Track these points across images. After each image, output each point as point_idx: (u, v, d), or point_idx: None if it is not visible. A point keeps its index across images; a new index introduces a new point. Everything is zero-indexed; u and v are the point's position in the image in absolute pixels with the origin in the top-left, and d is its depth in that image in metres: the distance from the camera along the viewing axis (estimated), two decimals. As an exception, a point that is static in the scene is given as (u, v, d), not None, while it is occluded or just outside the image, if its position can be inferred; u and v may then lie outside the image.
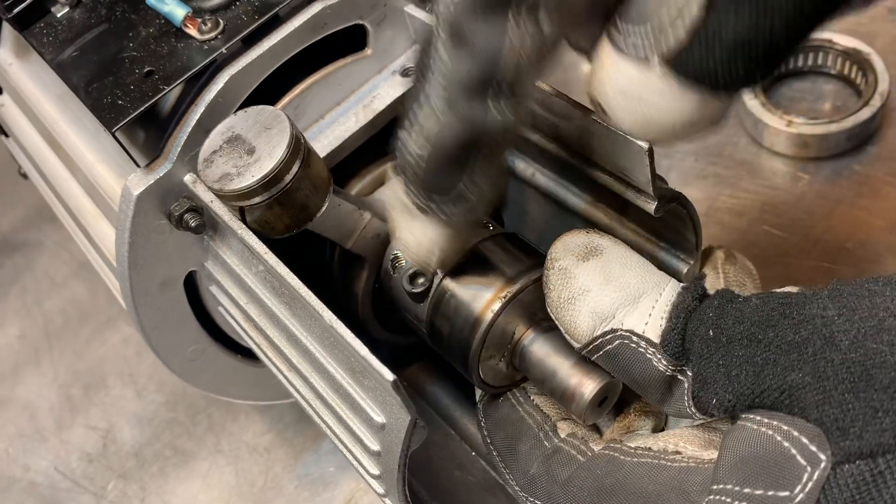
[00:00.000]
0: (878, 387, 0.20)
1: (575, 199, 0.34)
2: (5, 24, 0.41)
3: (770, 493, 0.20)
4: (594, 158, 0.29)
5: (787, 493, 0.20)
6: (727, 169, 0.48)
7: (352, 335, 0.24)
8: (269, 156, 0.26)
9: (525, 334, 0.30)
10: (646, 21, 0.22)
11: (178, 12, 0.30)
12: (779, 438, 0.21)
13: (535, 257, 0.29)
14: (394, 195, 0.26)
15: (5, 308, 0.57)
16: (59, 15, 0.34)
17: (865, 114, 0.45)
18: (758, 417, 0.22)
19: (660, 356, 0.24)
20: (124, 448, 0.48)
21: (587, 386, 0.28)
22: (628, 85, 0.23)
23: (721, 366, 0.23)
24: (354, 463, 0.29)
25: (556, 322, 0.27)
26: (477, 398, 0.31)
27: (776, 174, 0.47)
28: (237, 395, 0.39)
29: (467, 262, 0.29)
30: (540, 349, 0.29)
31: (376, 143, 0.33)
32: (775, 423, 0.21)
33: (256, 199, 0.26)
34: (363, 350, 0.24)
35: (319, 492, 0.43)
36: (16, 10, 0.34)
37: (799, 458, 0.20)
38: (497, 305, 0.28)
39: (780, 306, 0.22)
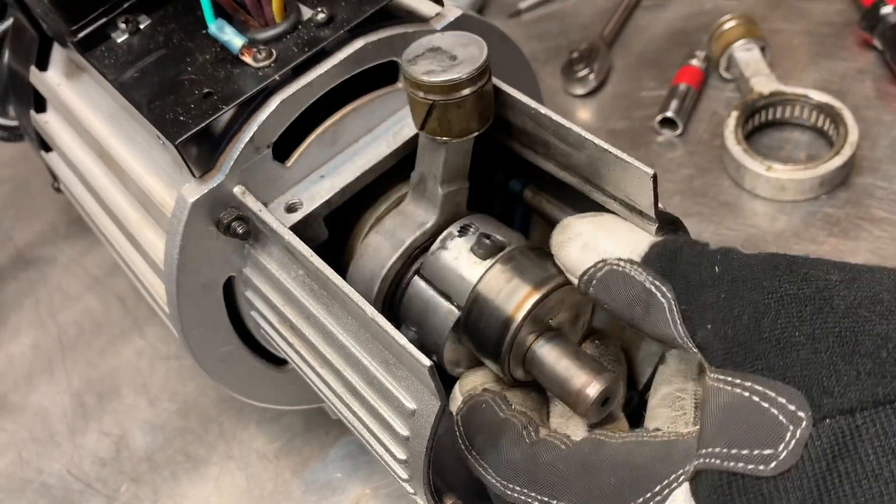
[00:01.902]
0: (864, 352, 0.23)
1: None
2: (55, 48, 0.45)
3: (756, 451, 0.23)
4: (602, 184, 0.33)
5: (771, 451, 0.23)
6: (711, 209, 0.52)
7: (393, 328, 0.27)
8: (472, 61, 0.30)
9: (537, 340, 0.33)
10: None
11: (237, 42, 0.34)
12: (757, 400, 0.24)
13: (553, 269, 0.33)
14: None
15: (19, 319, 0.59)
16: (119, 41, 0.37)
17: (837, 162, 0.50)
18: (734, 379, 0.25)
19: (642, 271, 0.28)
20: (137, 453, 0.50)
21: (592, 386, 0.31)
22: None
23: (724, 300, 0.25)
24: (380, 450, 0.32)
25: (557, 261, 0.31)
26: (454, 410, 0.34)
27: (756, 214, 0.52)
28: (259, 397, 0.42)
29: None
30: (550, 353, 0.33)
31: (402, 166, 0.37)
32: (752, 384, 0.24)
33: (463, 92, 0.30)
34: (403, 340, 0.27)
35: (327, 496, 0.46)
36: (80, 35, 0.37)
37: (781, 418, 0.23)
38: (529, 304, 0.32)
39: (787, 262, 0.26)
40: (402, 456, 0.30)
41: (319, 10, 0.35)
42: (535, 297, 0.33)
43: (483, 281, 0.33)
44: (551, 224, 0.39)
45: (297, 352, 0.35)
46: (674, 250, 0.28)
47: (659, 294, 0.28)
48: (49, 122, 0.45)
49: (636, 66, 0.63)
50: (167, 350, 0.55)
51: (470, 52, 0.31)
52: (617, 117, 0.60)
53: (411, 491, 0.32)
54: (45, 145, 0.48)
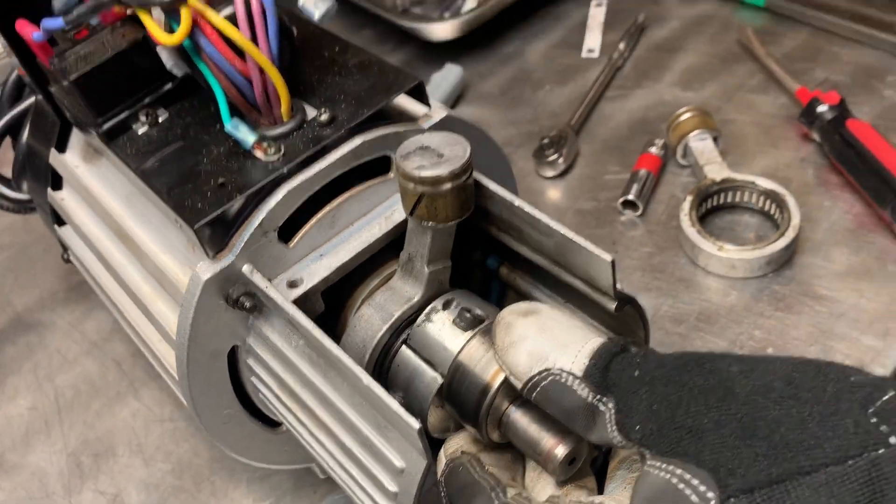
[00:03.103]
0: (760, 436, 0.27)
1: (548, 298, 0.42)
2: (74, 133, 0.49)
3: None
4: (568, 267, 0.38)
5: None
6: (669, 284, 0.57)
7: (386, 394, 0.31)
8: (456, 159, 0.34)
9: (511, 405, 0.37)
10: None
11: (250, 138, 0.38)
12: (675, 482, 0.28)
13: None
14: None
15: (17, 382, 0.62)
16: (139, 132, 0.42)
17: (781, 243, 0.55)
18: (660, 464, 0.29)
19: (584, 386, 0.31)
20: (131, 511, 0.53)
21: (560, 448, 0.35)
22: None
23: (644, 399, 0.29)
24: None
25: (502, 365, 0.34)
26: (439, 474, 0.38)
27: (709, 290, 0.56)
28: (254, 457, 0.45)
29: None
30: (522, 418, 0.37)
31: (392, 246, 0.41)
32: (673, 468, 0.28)
33: (448, 186, 0.34)
34: (395, 405, 0.31)
35: (314, 552, 0.49)
36: (105, 127, 0.41)
37: (694, 497, 0.27)
38: (501, 377, 0.36)
39: (695, 358, 0.30)
40: (390, 510, 0.34)
41: (323, 110, 0.39)
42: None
43: (464, 351, 0.37)
44: (525, 298, 0.43)
45: (293, 414, 0.39)
46: (607, 361, 0.31)
47: (601, 406, 0.31)
48: (65, 199, 0.49)
49: (601, 152, 0.69)
50: (161, 412, 0.57)
51: (455, 151, 0.36)
52: (584, 198, 0.65)
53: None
54: (59, 220, 0.52)
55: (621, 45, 0.76)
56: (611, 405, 0.31)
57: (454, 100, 0.77)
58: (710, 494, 0.27)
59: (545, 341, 0.33)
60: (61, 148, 0.49)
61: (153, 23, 0.36)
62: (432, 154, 0.36)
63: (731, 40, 0.75)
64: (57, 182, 0.50)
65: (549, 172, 0.67)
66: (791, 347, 0.52)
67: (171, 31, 0.37)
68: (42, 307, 0.67)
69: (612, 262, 0.35)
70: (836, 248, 0.57)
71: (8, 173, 0.58)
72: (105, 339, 0.63)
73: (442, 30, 0.78)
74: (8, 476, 0.56)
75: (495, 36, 0.82)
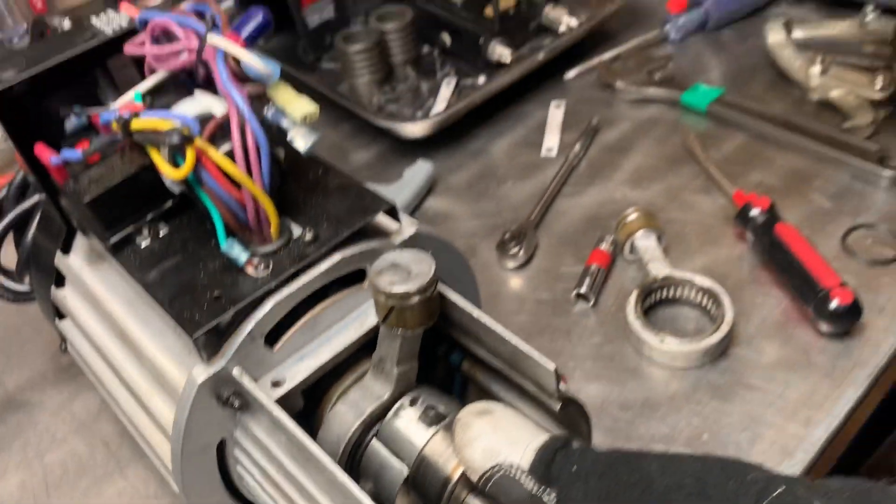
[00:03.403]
0: None
1: (504, 393, 0.48)
2: (78, 237, 0.54)
3: None
4: (519, 370, 0.43)
5: None
6: (617, 373, 0.63)
7: (358, 488, 0.36)
8: (423, 276, 0.40)
9: (469, 495, 0.42)
10: None
11: (242, 257, 0.44)
12: None
13: None
14: None
15: (7, 460, 0.65)
16: (142, 246, 0.47)
17: (716, 337, 0.62)
18: None
19: (530, 479, 0.37)
20: (116, 587, 0.56)
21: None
22: None
23: (580, 492, 0.35)
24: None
25: (461, 460, 0.39)
26: None
27: (653, 379, 0.62)
28: (237, 539, 0.49)
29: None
30: (478, 505, 0.42)
31: (365, 347, 0.47)
32: None
33: (415, 300, 0.40)
34: (367, 500, 0.36)
35: None
36: (112, 241, 0.47)
37: None
38: (460, 470, 0.41)
39: (623, 456, 0.36)
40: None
41: (307, 229, 0.45)
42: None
43: (428, 446, 0.43)
44: (484, 391, 0.49)
45: (275, 502, 0.43)
46: (551, 456, 0.37)
47: (544, 496, 0.36)
48: (67, 297, 0.54)
49: (558, 245, 0.75)
50: (146, 490, 0.61)
51: (422, 267, 0.42)
52: (542, 289, 0.71)
53: None
54: (59, 314, 0.56)
55: (577, 146, 0.84)
56: (553, 496, 0.36)
57: (425, 192, 0.83)
58: None
59: (498, 439, 0.39)
60: (66, 250, 0.54)
61: (161, 159, 0.42)
62: (402, 271, 0.41)
63: (677, 143, 0.83)
64: (60, 280, 0.55)
65: (511, 264, 0.73)
66: (724, 433, 0.58)
67: (175, 163, 0.43)
68: (32, 387, 0.71)
69: (556, 371, 0.40)
70: (766, 341, 0.63)
71: (6, 264, 0.62)
72: (93, 420, 0.67)
73: (414, 129, 0.85)
74: (-3, 553, 0.59)
75: (463, 134, 0.89)
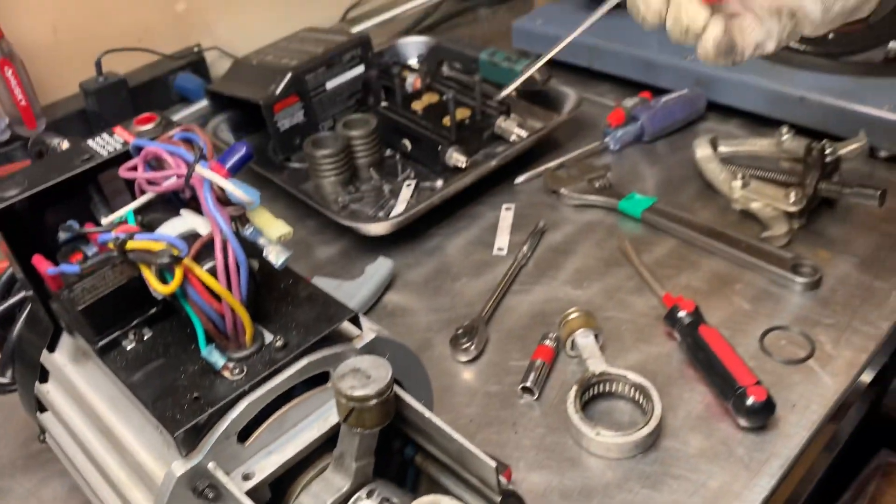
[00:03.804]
0: None
1: (454, 486, 0.53)
2: (64, 336, 0.59)
3: None
4: (465, 465, 0.49)
5: None
6: (558, 463, 0.69)
7: (320, 574, 0.41)
8: (380, 381, 0.45)
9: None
10: None
11: (220, 361, 0.49)
12: None
13: None
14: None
15: (-24, 546, 0.68)
16: (128, 348, 0.52)
17: (646, 431, 0.68)
18: None
19: None
20: None
21: None
22: None
23: None
24: None
25: None
26: None
27: (590, 469, 0.68)
28: None
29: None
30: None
31: (327, 442, 0.52)
32: None
33: (373, 402, 0.45)
34: (326, 584, 0.41)
35: None
36: (100, 344, 0.52)
37: None
38: None
39: None
40: None
41: (278, 337, 0.51)
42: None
43: (384, 534, 0.48)
44: (434, 483, 0.54)
45: (242, 587, 0.47)
46: None
47: None
48: (50, 392, 0.59)
49: (507, 340, 0.81)
50: (112, 577, 0.64)
51: (380, 373, 0.47)
52: (491, 382, 0.77)
53: None
54: (41, 407, 0.61)
55: (525, 246, 0.91)
56: None
57: (385, 288, 0.89)
58: None
59: None
60: (52, 348, 0.58)
61: (152, 275, 0.48)
62: (362, 375, 0.47)
63: (614, 245, 0.91)
64: (44, 376, 0.59)
65: (463, 358, 0.79)
66: (654, 519, 0.64)
67: (163, 279, 0.48)
68: (1, 474, 0.74)
69: (496, 468, 0.46)
70: (691, 433, 0.70)
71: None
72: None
73: (375, 228, 0.92)
74: None
75: (421, 233, 0.96)
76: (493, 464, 0.46)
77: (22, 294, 0.64)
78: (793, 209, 0.88)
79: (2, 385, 0.66)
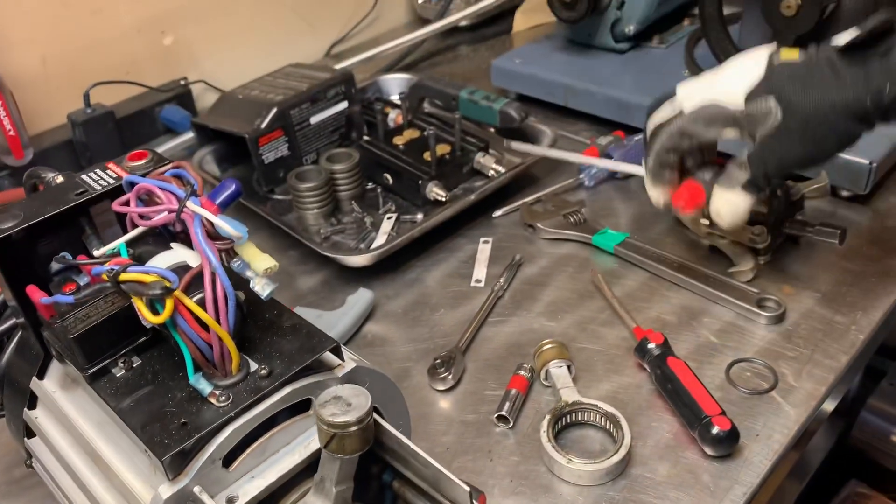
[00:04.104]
0: None
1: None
2: (53, 364, 0.61)
3: None
4: (441, 490, 0.51)
5: None
6: (531, 489, 0.71)
7: None
8: (360, 408, 0.48)
9: None
10: (731, 178, 0.74)
11: (207, 389, 0.51)
12: None
13: None
14: (647, 181, 0.82)
15: (-43, 571, 0.69)
16: (117, 375, 0.54)
17: (615, 459, 0.70)
18: None
19: None
20: None
21: None
22: (727, 198, 0.75)
23: None
24: None
25: None
26: None
27: (562, 495, 0.70)
28: None
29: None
30: None
31: (308, 468, 0.54)
32: None
33: (353, 429, 0.47)
34: None
35: None
36: (90, 371, 0.54)
37: None
38: None
39: None
40: None
41: (262, 367, 0.53)
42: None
43: (361, 554, 0.50)
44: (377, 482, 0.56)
45: None
46: None
47: None
48: (39, 417, 0.60)
49: (483, 370, 0.84)
50: None
51: (360, 401, 0.50)
52: (467, 411, 0.80)
53: None
54: (29, 433, 0.62)
55: (502, 279, 0.94)
56: None
57: (365, 318, 0.92)
58: None
59: None
60: (41, 375, 0.60)
61: (143, 306, 0.50)
62: (343, 403, 0.49)
63: (587, 278, 0.94)
64: (33, 402, 0.61)
65: (441, 387, 0.82)
66: (622, 545, 0.66)
67: (154, 309, 0.51)
68: (-15, 500, 0.75)
69: (470, 493, 0.49)
70: (660, 461, 0.73)
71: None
72: (44, 531, 0.71)
73: (356, 259, 0.95)
74: None
75: (401, 264, 0.99)
76: (466, 488, 0.49)
77: (12, 321, 0.66)
78: (758, 246, 0.91)
79: (-11, 410, 0.68)
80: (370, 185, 1.10)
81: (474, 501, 0.49)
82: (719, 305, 0.88)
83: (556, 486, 0.71)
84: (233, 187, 0.55)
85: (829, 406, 0.86)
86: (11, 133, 1.09)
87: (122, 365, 0.55)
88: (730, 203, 0.74)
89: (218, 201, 0.55)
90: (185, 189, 0.55)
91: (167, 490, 0.48)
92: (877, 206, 1.01)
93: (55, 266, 0.59)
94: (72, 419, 0.57)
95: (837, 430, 1.54)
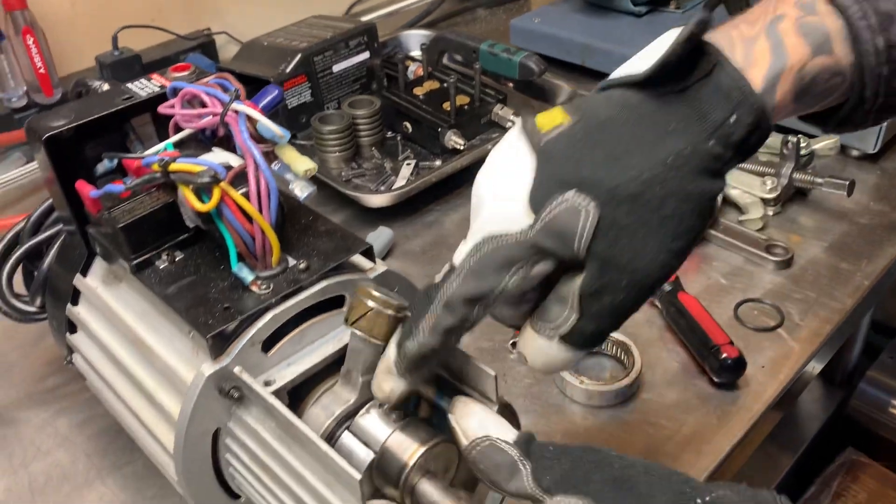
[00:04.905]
0: (626, 489, 0.41)
1: (444, 403, 0.58)
2: (95, 264, 0.64)
3: None
4: (466, 380, 0.54)
5: None
6: (542, 408, 0.74)
7: (337, 455, 0.46)
8: (398, 299, 0.50)
9: (421, 479, 0.52)
10: (549, 321, 0.48)
11: (248, 277, 0.54)
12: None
13: (433, 432, 0.52)
14: (384, 359, 0.49)
15: (-6, 468, 0.72)
16: (161, 267, 0.57)
17: (626, 382, 0.73)
18: (560, 498, 0.43)
19: (513, 449, 0.45)
20: (95, 577, 0.63)
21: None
22: (540, 347, 0.49)
23: (554, 462, 0.44)
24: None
25: (455, 425, 0.48)
26: None
27: (573, 414, 0.73)
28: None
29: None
30: (427, 486, 0.51)
31: (337, 362, 0.57)
32: (571, 499, 0.42)
33: (388, 311, 0.49)
34: (343, 462, 0.46)
35: None
36: (135, 262, 0.57)
37: None
38: (417, 455, 0.51)
39: (588, 445, 0.44)
40: (330, 543, 0.47)
41: (301, 261, 0.56)
42: (422, 450, 0.52)
43: (390, 438, 0.52)
44: (432, 405, 0.59)
45: (259, 481, 0.52)
46: (529, 439, 0.46)
47: (521, 464, 0.45)
48: (81, 312, 0.63)
49: (499, 304, 0.87)
50: (124, 496, 0.69)
51: (396, 296, 0.52)
52: (483, 339, 0.82)
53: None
54: (71, 329, 0.65)
55: (518, 222, 0.97)
56: (529, 466, 0.45)
57: (384, 255, 0.94)
58: None
59: (489, 419, 0.48)
60: (84, 273, 0.63)
61: (192, 195, 0.53)
62: (381, 291, 0.52)
63: (602, 225, 0.97)
64: (76, 299, 0.64)
65: (457, 318, 0.84)
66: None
67: (200, 199, 0.54)
68: (18, 406, 0.78)
69: (495, 377, 0.51)
70: (668, 388, 0.76)
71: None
72: (75, 434, 0.74)
73: (377, 199, 0.97)
74: (-16, 546, 0.65)
75: (420, 207, 1.01)
76: (493, 373, 0.52)
77: (55, 229, 0.69)
78: (768, 196, 0.94)
79: (29, 313, 0.71)
80: (390, 134, 1.12)
81: (498, 383, 0.52)
82: (729, 251, 0.91)
83: (567, 407, 0.74)
84: (275, 92, 0.57)
85: (830, 351, 0.89)
86: (42, 71, 1.12)
87: (165, 258, 0.57)
88: (543, 354, 0.49)
89: (261, 104, 0.57)
90: (229, 94, 0.58)
91: (209, 368, 0.51)
92: (885, 165, 1.04)
93: (101, 169, 0.62)
94: (114, 311, 0.59)
95: (836, 400, 1.58)
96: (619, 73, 0.46)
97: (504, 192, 0.45)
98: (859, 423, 1.52)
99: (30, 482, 0.70)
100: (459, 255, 0.46)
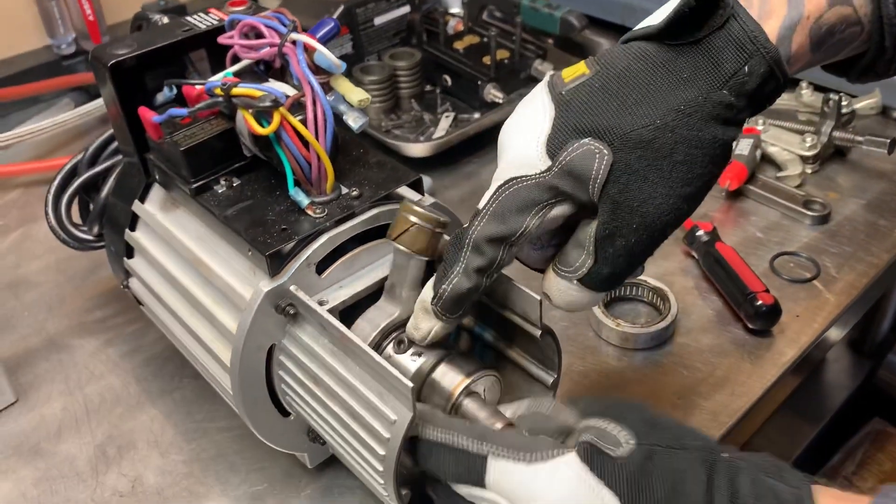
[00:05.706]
0: (659, 427, 0.45)
1: (486, 335, 0.60)
2: (154, 190, 0.66)
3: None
4: (510, 305, 0.56)
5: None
6: (579, 349, 0.76)
7: (390, 366, 0.48)
8: (443, 217, 0.53)
9: (465, 399, 0.54)
10: (569, 265, 0.50)
11: (304, 201, 0.56)
12: (611, 429, 0.45)
13: (477, 363, 0.54)
14: (421, 301, 0.51)
15: (51, 389, 0.75)
16: (219, 191, 0.59)
17: (662, 325, 0.75)
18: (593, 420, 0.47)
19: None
20: (149, 489, 0.66)
21: (495, 425, 0.52)
22: (561, 288, 0.51)
23: (592, 402, 0.49)
24: (365, 452, 0.51)
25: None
26: None
27: (609, 356, 0.75)
28: (266, 436, 0.60)
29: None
30: (472, 405, 0.53)
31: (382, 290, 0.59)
32: (609, 423, 0.46)
33: (431, 226, 0.53)
34: (395, 371, 0.48)
35: (299, 523, 0.63)
36: (195, 185, 0.59)
37: (621, 434, 0.45)
38: (464, 385, 0.53)
39: (621, 397, 0.48)
40: (381, 452, 0.50)
41: (353, 189, 0.58)
42: (467, 381, 0.54)
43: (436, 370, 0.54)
44: (473, 336, 0.61)
45: (312, 394, 0.55)
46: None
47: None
48: (140, 237, 0.66)
49: (536, 251, 0.88)
50: (176, 419, 0.71)
51: (442, 213, 0.54)
52: (521, 284, 0.84)
53: (381, 482, 0.51)
54: (129, 254, 0.68)
55: (556, 175, 0.98)
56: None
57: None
58: (632, 440, 0.44)
59: None
60: (142, 200, 0.66)
61: (252, 119, 0.55)
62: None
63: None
64: (133, 224, 0.67)
65: (495, 264, 0.86)
66: (664, 400, 0.71)
67: (260, 124, 0.55)
68: (72, 334, 0.81)
69: (540, 301, 0.53)
70: (703, 333, 0.77)
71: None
72: (126, 360, 0.77)
73: (417, 149, 0.99)
74: (43, 459, 0.68)
75: (459, 158, 1.03)
76: (537, 297, 0.53)
77: (112, 160, 0.71)
78: (807, 153, 0.94)
79: (87, 241, 0.73)
80: (429, 87, 1.13)
81: (542, 307, 0.53)
82: (767, 206, 0.92)
83: (602, 348, 0.76)
84: (331, 24, 0.59)
85: (864, 307, 0.89)
86: (91, 18, 1.14)
87: (223, 183, 0.60)
88: (564, 294, 0.52)
89: (318, 35, 0.59)
90: (286, 25, 0.59)
91: (267, 285, 0.54)
92: (926, 127, 1.03)
93: (160, 98, 0.64)
94: (173, 234, 0.62)
95: (864, 370, 1.58)
96: (640, 26, 0.48)
97: (525, 138, 0.48)
98: (887, 393, 1.52)
99: (85, 402, 0.73)
100: (484, 200, 0.49)
